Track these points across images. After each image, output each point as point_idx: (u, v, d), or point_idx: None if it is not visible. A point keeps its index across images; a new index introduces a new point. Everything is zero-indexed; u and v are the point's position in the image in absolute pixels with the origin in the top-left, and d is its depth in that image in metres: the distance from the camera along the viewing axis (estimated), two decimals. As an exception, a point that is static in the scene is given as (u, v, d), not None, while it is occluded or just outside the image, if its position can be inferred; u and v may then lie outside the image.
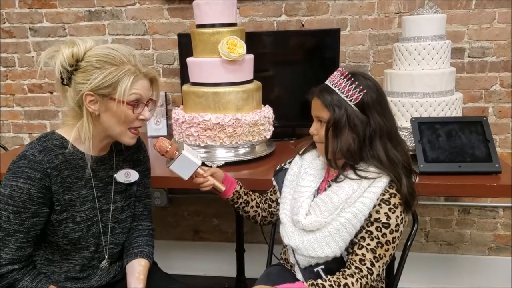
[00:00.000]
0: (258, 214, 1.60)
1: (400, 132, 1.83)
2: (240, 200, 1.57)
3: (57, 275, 1.39)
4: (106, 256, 1.46)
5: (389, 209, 1.26)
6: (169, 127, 2.49)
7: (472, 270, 2.60)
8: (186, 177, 1.44)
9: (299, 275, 1.39)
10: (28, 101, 2.81)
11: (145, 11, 2.57)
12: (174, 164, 1.42)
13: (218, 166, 1.82)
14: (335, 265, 1.31)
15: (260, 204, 1.60)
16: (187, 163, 1.42)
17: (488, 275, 2.57)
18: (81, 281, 1.42)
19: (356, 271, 1.24)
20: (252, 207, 1.58)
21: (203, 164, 1.49)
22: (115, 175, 1.44)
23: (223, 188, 1.52)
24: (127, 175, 1.46)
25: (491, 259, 2.59)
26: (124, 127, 1.31)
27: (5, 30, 2.72)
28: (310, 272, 1.36)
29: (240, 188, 1.57)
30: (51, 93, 2.77)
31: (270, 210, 1.60)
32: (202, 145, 1.92)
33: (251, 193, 1.61)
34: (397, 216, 1.27)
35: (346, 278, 1.22)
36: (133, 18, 2.59)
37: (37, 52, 2.72)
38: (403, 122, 1.89)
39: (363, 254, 1.25)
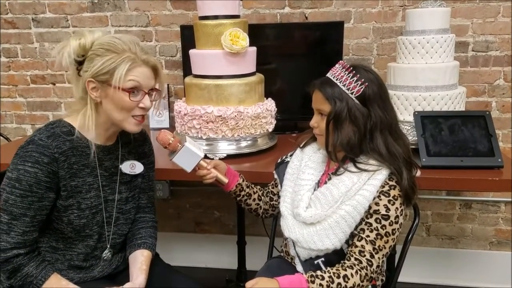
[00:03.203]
0: (260, 207, 1.61)
1: (403, 126, 1.84)
2: (243, 193, 1.57)
3: (60, 263, 1.40)
4: (108, 246, 1.46)
5: (389, 201, 1.26)
6: (171, 119, 2.49)
7: (473, 264, 2.60)
8: (189, 169, 1.45)
9: (299, 268, 1.40)
10: (30, 92, 2.82)
11: (148, 2, 2.56)
12: (177, 156, 1.42)
13: (219, 159, 1.82)
14: (335, 257, 1.32)
15: (262, 197, 1.61)
16: (190, 155, 1.43)
17: (489, 269, 2.58)
18: (84, 271, 1.43)
19: (356, 262, 1.24)
20: (254, 200, 1.59)
21: (205, 156, 1.50)
22: (120, 165, 1.45)
23: (226, 180, 1.52)
24: (132, 167, 1.48)
25: (492, 254, 2.60)
26: (124, 114, 1.32)
27: (7, 20, 2.71)
28: (310, 264, 1.37)
29: (243, 181, 1.57)
30: (54, 84, 2.78)
31: (271, 203, 1.60)
32: (204, 137, 1.92)
33: (253, 186, 1.61)
34: (397, 208, 1.27)
35: (345, 270, 1.23)
36: (136, 9, 2.58)
37: (40, 43, 2.72)
38: (406, 115, 1.88)
39: (362, 246, 1.26)
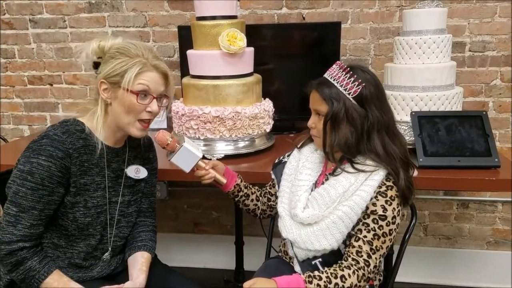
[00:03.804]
0: (258, 207, 1.61)
1: (400, 126, 1.84)
2: (241, 194, 1.57)
3: (61, 261, 1.41)
4: (110, 249, 1.47)
5: (386, 202, 1.27)
6: (169, 120, 2.49)
7: (471, 264, 2.61)
8: (187, 169, 1.45)
9: (297, 268, 1.40)
10: (28, 93, 2.81)
11: (145, 3, 2.56)
12: (175, 157, 1.43)
13: (217, 159, 1.82)
14: (332, 258, 1.32)
15: (260, 198, 1.61)
16: (188, 156, 1.43)
17: (487, 269, 2.58)
18: (83, 270, 1.44)
19: (353, 262, 1.25)
20: (252, 200, 1.59)
21: (203, 157, 1.50)
22: (126, 169, 1.47)
23: (224, 180, 1.52)
24: (137, 171, 1.50)
25: (489, 254, 2.60)
26: (131, 117, 1.34)
27: (5, 21, 2.71)
28: (308, 265, 1.37)
29: (241, 181, 1.58)
30: (51, 85, 2.77)
31: (269, 203, 1.61)
32: (201, 138, 1.92)
33: (251, 186, 1.61)
34: (394, 208, 1.27)
35: (342, 270, 1.23)
36: (133, 10, 2.58)
37: (37, 43, 2.71)
38: (403, 116, 1.89)
39: (359, 246, 1.26)
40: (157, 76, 1.34)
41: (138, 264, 1.44)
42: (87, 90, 2.74)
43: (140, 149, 1.53)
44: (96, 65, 1.38)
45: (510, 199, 2.49)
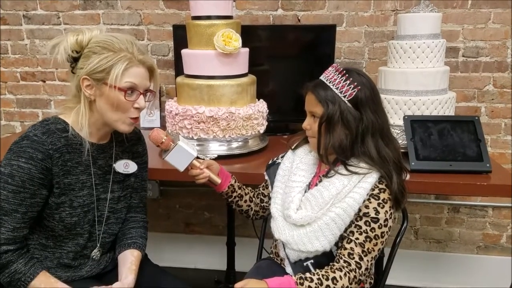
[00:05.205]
0: (251, 208, 1.61)
1: (393, 130, 1.84)
2: (234, 194, 1.57)
3: (49, 261, 1.39)
4: (98, 245, 1.46)
5: (378, 204, 1.27)
6: (163, 119, 2.48)
7: (461, 268, 2.62)
8: (182, 168, 1.44)
9: (288, 269, 1.40)
10: (20, 89, 2.79)
11: (140, 1, 2.55)
12: (170, 155, 1.41)
13: (210, 159, 1.82)
14: (324, 259, 1.32)
15: (253, 199, 1.61)
16: (183, 154, 1.42)
17: (476, 273, 2.60)
18: (72, 269, 1.43)
19: (345, 265, 1.25)
20: (245, 201, 1.59)
21: (197, 157, 1.49)
22: (114, 164, 1.45)
23: (219, 180, 1.52)
24: (126, 166, 1.48)
25: (479, 258, 2.62)
26: (120, 114, 1.32)
27: (-2, 16, 2.69)
28: (299, 266, 1.37)
29: (235, 182, 1.57)
30: (44, 81, 2.75)
31: (262, 204, 1.60)
32: (195, 138, 1.91)
33: (244, 187, 1.61)
34: (386, 211, 1.28)
35: (334, 272, 1.23)
36: (128, 7, 2.57)
37: (31, 39, 2.69)
38: (396, 119, 1.89)
39: (351, 248, 1.26)
40: (144, 71, 1.32)
41: (128, 262, 1.43)
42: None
43: (128, 143, 1.50)
44: (74, 60, 1.33)
45: (500, 204, 2.51)
